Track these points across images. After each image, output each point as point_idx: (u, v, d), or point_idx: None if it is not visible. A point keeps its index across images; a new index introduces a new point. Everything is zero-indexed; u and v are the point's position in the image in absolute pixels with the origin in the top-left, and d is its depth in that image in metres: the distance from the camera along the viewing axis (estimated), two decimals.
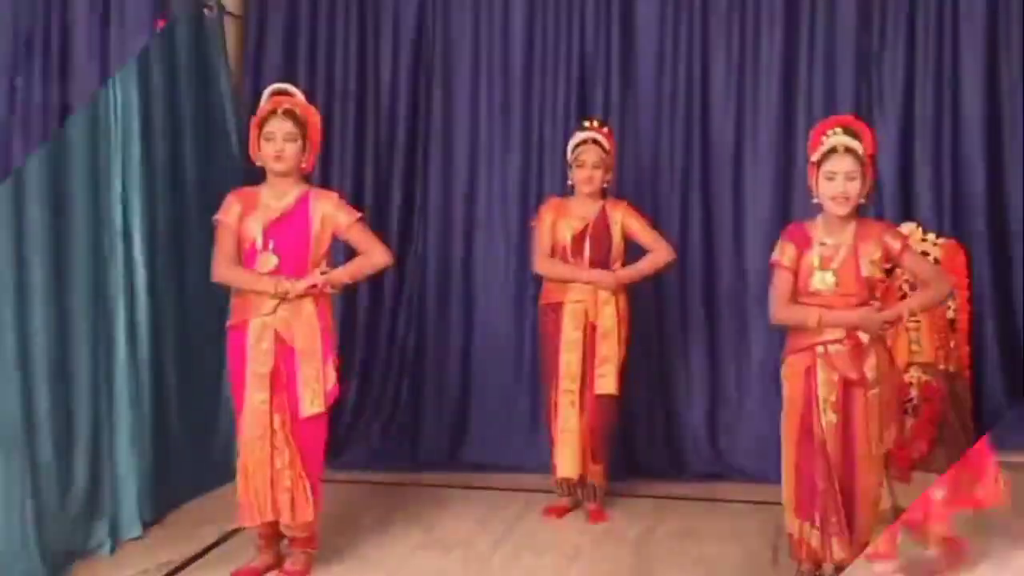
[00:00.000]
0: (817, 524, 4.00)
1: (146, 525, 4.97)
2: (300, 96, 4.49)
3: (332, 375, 4.39)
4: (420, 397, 6.38)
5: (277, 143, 4.34)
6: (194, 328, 5.51)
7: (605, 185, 5.32)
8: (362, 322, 6.31)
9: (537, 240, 5.34)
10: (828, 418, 3.95)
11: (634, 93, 6.22)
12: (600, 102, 6.20)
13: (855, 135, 4.00)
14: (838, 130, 4.02)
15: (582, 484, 5.31)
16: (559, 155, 6.03)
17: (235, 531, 4.95)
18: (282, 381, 4.33)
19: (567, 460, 5.22)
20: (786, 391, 4.09)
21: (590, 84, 6.24)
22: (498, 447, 6.18)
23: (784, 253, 4.06)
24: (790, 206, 6.02)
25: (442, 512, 5.41)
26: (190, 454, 5.44)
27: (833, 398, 3.95)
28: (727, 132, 6.15)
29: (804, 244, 4.03)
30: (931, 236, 5.70)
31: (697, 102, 6.16)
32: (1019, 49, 5.84)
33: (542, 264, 5.32)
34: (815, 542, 4.02)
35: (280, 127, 4.34)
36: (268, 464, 4.31)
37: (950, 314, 5.64)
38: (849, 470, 3.97)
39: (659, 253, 5.31)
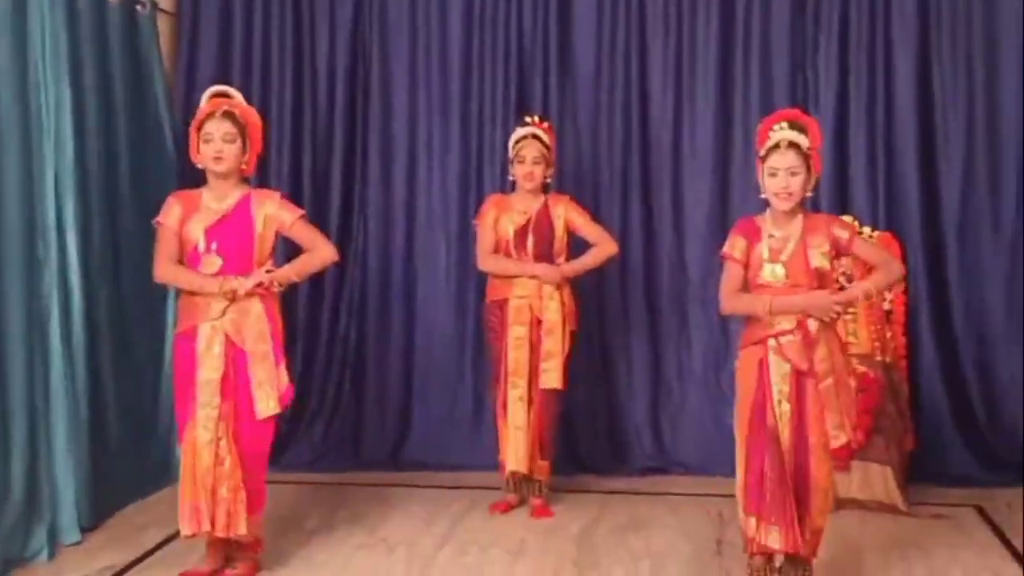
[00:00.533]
0: (761, 514, 4.01)
1: (85, 530, 4.90)
2: (239, 98, 4.46)
3: (285, 376, 4.38)
4: (362, 397, 6.35)
5: (216, 144, 4.30)
6: (131, 329, 5.44)
7: (547, 180, 5.33)
8: (302, 321, 6.25)
9: (480, 237, 5.34)
10: (782, 409, 3.97)
11: (573, 88, 6.23)
12: (539, 97, 6.20)
13: (801, 129, 4.03)
14: (784, 124, 4.03)
15: (528, 480, 5.32)
16: (499, 151, 6.05)
17: (176, 534, 4.89)
18: (231, 387, 4.29)
19: (517, 455, 5.23)
20: (737, 385, 4.12)
21: (528, 79, 6.24)
22: (441, 445, 6.16)
23: (735, 247, 4.08)
24: (728, 198, 6.09)
25: (386, 511, 5.38)
26: (129, 458, 5.37)
27: (787, 389, 3.97)
28: (665, 126, 6.18)
29: (754, 237, 4.06)
30: (866, 229, 5.75)
31: (636, 96, 6.18)
32: (950, 43, 5.94)
33: (486, 261, 5.32)
34: (756, 532, 4.03)
35: (218, 128, 4.30)
36: (213, 472, 4.26)
37: (886, 305, 5.71)
38: (802, 461, 3.99)
39: (603, 247, 5.34)
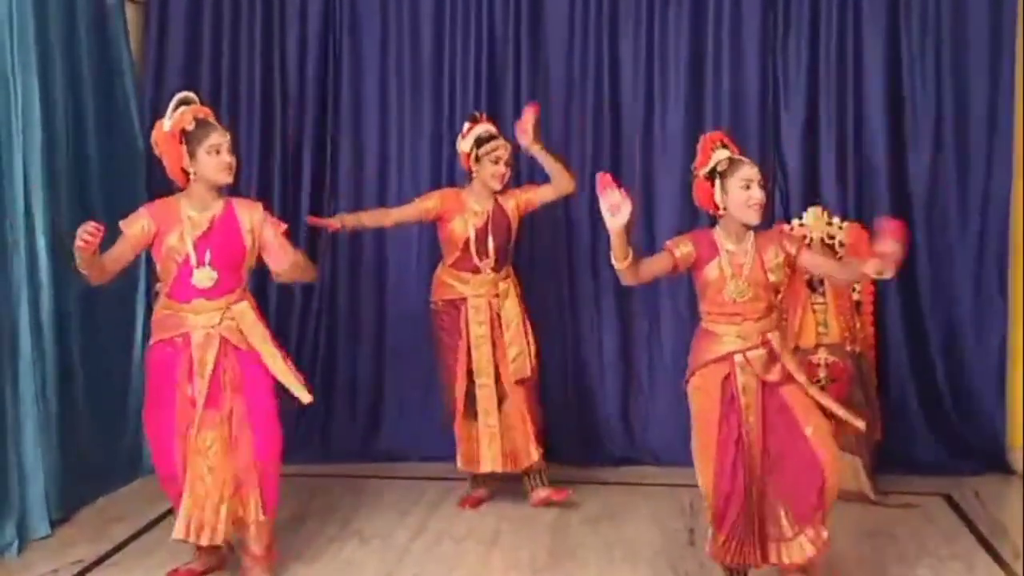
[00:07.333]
0: (734, 534, 3.96)
1: (55, 524, 4.86)
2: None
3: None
4: (332, 388, 6.31)
5: (225, 156, 4.22)
6: (101, 320, 5.39)
7: None
8: (272, 313, 6.17)
9: (416, 203, 5.33)
10: (750, 423, 3.92)
11: (544, 75, 6.22)
12: (510, 85, 6.19)
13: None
14: (719, 144, 4.01)
15: (527, 473, 5.29)
16: None
17: (145, 529, 4.91)
18: (235, 386, 4.21)
19: (493, 455, 5.21)
20: (696, 406, 4.01)
21: (500, 69, 6.21)
22: (411, 437, 6.15)
23: (680, 246, 3.98)
24: None
25: (358, 503, 5.37)
26: (99, 450, 5.33)
27: (754, 403, 3.93)
28: (636, 117, 6.18)
29: (708, 252, 3.97)
30: (836, 220, 5.78)
31: (606, 86, 6.17)
32: (919, 34, 5.97)
33: (389, 214, 5.40)
34: (733, 551, 3.98)
35: (224, 139, 4.23)
36: (222, 475, 4.17)
37: (856, 296, 5.75)
38: (767, 473, 3.93)
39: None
